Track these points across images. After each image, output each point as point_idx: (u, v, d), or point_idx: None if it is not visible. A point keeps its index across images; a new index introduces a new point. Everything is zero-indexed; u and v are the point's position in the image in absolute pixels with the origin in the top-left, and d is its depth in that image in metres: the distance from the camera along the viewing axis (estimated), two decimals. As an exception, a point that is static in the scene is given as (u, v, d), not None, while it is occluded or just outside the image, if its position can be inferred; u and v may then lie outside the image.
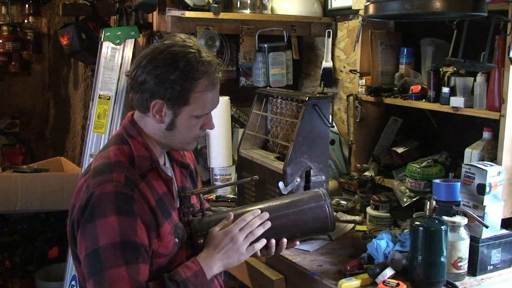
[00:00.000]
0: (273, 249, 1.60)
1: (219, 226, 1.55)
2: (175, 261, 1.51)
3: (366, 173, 2.47)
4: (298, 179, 2.04)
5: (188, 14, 2.56)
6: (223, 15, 2.66)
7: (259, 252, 1.58)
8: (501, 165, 1.86)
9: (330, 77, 2.94)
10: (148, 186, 1.45)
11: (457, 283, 1.70)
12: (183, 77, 1.43)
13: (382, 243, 1.81)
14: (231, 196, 2.55)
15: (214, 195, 2.57)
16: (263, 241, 1.56)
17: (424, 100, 2.21)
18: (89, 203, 1.38)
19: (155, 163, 1.50)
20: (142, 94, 1.46)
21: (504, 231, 1.84)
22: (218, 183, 2.70)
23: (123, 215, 1.36)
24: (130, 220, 1.37)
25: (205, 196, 1.82)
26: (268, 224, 1.57)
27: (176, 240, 1.50)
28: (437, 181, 1.84)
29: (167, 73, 1.43)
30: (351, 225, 2.26)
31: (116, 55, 2.77)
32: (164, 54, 1.44)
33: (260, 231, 1.55)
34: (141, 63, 1.46)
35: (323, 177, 2.08)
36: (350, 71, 2.73)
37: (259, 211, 1.58)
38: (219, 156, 2.69)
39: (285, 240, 1.62)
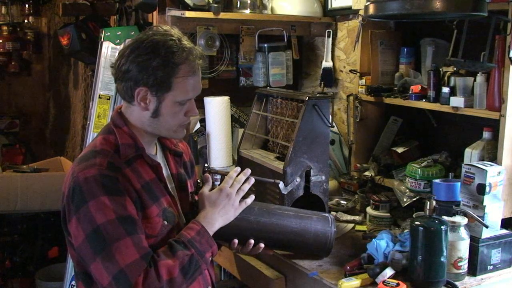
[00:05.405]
0: (259, 250, 1.68)
1: (207, 188, 1.62)
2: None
3: (366, 173, 2.47)
4: (298, 179, 2.04)
5: (188, 14, 2.57)
6: (223, 15, 2.66)
7: (250, 248, 1.65)
8: (501, 165, 1.86)
9: (330, 77, 2.94)
10: (134, 172, 1.50)
11: (457, 283, 1.70)
12: (164, 63, 1.47)
13: (382, 243, 1.81)
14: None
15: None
16: (252, 197, 1.65)
17: (424, 100, 2.21)
18: (76, 188, 1.42)
19: (140, 150, 1.54)
20: (126, 83, 1.51)
21: (504, 231, 1.84)
22: (217, 184, 2.69)
23: (112, 194, 1.41)
24: (119, 198, 1.41)
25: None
26: (252, 180, 1.66)
27: (165, 222, 1.53)
28: (437, 181, 1.84)
29: (149, 60, 1.47)
30: (351, 225, 2.26)
31: (116, 55, 2.76)
32: (145, 43, 1.49)
33: (247, 186, 1.64)
34: (124, 53, 1.52)
35: (323, 177, 2.08)
36: (350, 71, 2.73)
37: (239, 168, 1.67)
38: (219, 156, 2.68)
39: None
